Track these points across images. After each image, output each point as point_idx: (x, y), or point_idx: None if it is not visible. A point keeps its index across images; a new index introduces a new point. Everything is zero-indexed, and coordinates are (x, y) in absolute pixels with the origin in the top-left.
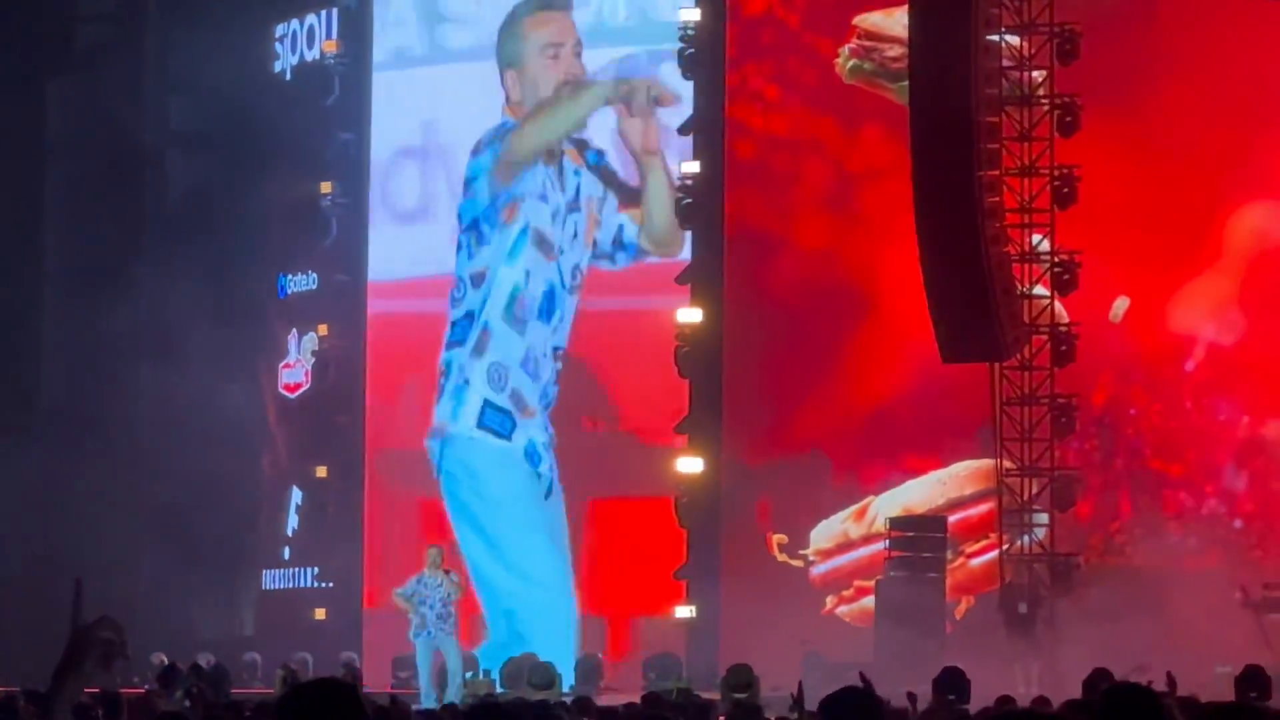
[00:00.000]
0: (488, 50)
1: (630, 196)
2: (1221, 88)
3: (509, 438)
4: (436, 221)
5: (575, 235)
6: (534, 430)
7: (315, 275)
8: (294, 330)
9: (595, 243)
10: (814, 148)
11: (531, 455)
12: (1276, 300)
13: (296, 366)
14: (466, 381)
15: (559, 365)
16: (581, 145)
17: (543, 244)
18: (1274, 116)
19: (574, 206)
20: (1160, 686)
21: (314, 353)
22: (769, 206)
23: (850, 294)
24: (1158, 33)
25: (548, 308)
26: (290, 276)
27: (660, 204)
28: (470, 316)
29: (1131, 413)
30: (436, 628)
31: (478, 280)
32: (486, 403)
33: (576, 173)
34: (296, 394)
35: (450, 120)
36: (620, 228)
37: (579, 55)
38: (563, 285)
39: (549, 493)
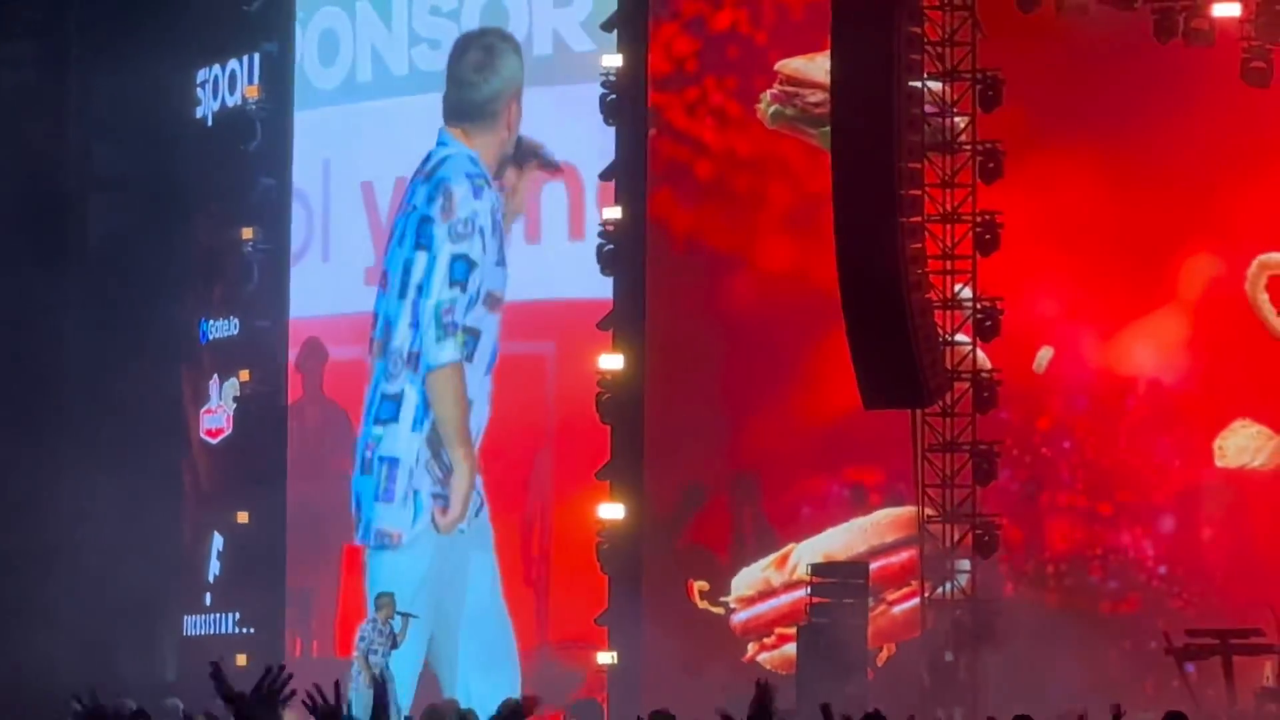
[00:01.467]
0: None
1: None
2: (1156, 133)
3: None
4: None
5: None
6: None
7: (237, 320)
8: (215, 376)
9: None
10: (780, 167)
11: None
12: (1223, 346)
13: (218, 412)
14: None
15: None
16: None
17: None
18: (1220, 162)
19: None
20: None
21: (235, 398)
22: (726, 229)
23: (800, 319)
24: (1081, 79)
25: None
26: (211, 322)
27: None
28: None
29: (1065, 445)
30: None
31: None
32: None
33: None
34: (218, 439)
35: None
36: None
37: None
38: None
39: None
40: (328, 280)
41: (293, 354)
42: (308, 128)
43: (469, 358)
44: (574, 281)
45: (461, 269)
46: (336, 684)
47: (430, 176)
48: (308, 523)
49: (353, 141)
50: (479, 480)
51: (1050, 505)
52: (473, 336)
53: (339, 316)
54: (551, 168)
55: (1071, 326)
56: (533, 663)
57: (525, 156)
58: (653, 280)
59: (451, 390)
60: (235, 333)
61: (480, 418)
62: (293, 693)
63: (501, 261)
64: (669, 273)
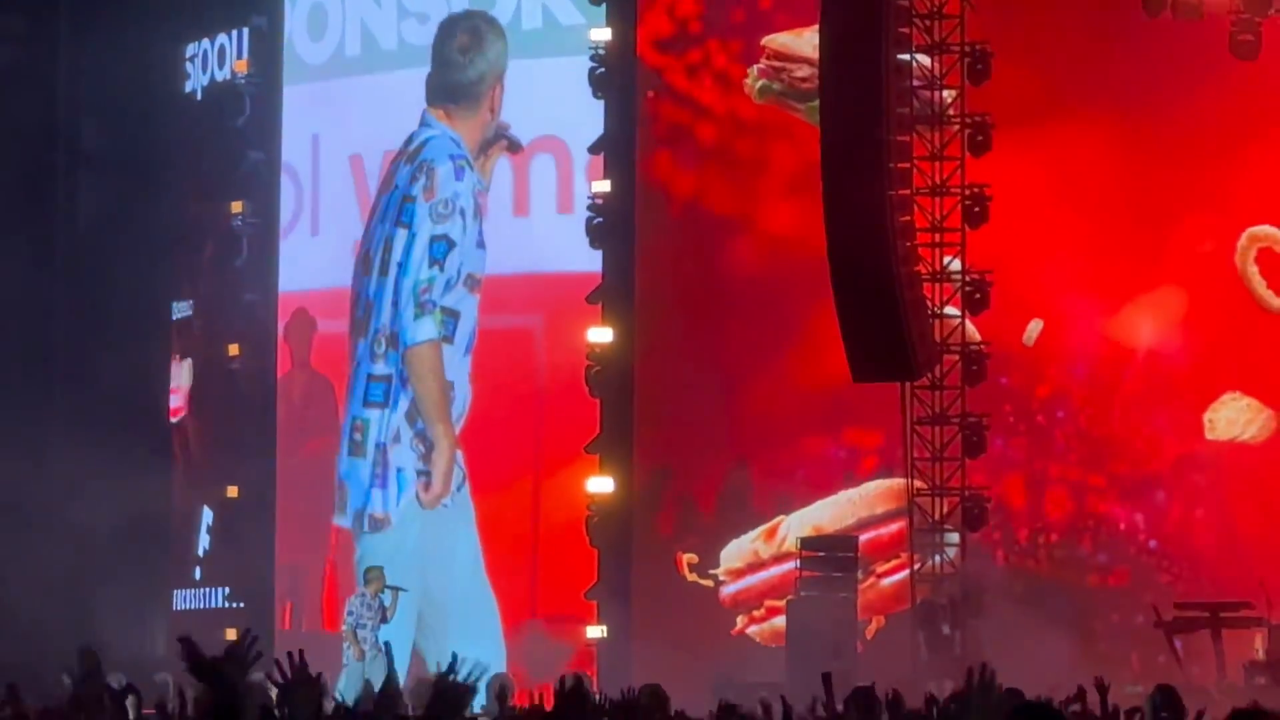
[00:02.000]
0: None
1: None
2: (1147, 106)
3: None
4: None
5: None
6: None
7: (226, 295)
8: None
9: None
10: (784, 131)
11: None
12: (1215, 318)
13: (177, 393)
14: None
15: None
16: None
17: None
18: (1214, 134)
19: None
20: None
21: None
22: (728, 193)
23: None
24: (1070, 51)
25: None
26: (195, 296)
27: None
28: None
29: (1060, 415)
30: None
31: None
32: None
33: None
34: (177, 418)
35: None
36: None
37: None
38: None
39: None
40: (316, 254)
41: (281, 325)
42: (296, 102)
43: (448, 338)
44: (562, 255)
45: (441, 249)
46: (301, 653)
47: (413, 158)
48: (297, 497)
49: (342, 115)
50: (460, 456)
51: (1044, 476)
52: (451, 318)
53: (327, 290)
54: (515, 148)
55: (1068, 297)
56: (521, 638)
57: (493, 136)
58: (645, 249)
59: (430, 367)
60: (223, 307)
61: (462, 398)
62: (259, 654)
63: (481, 244)
64: (665, 238)
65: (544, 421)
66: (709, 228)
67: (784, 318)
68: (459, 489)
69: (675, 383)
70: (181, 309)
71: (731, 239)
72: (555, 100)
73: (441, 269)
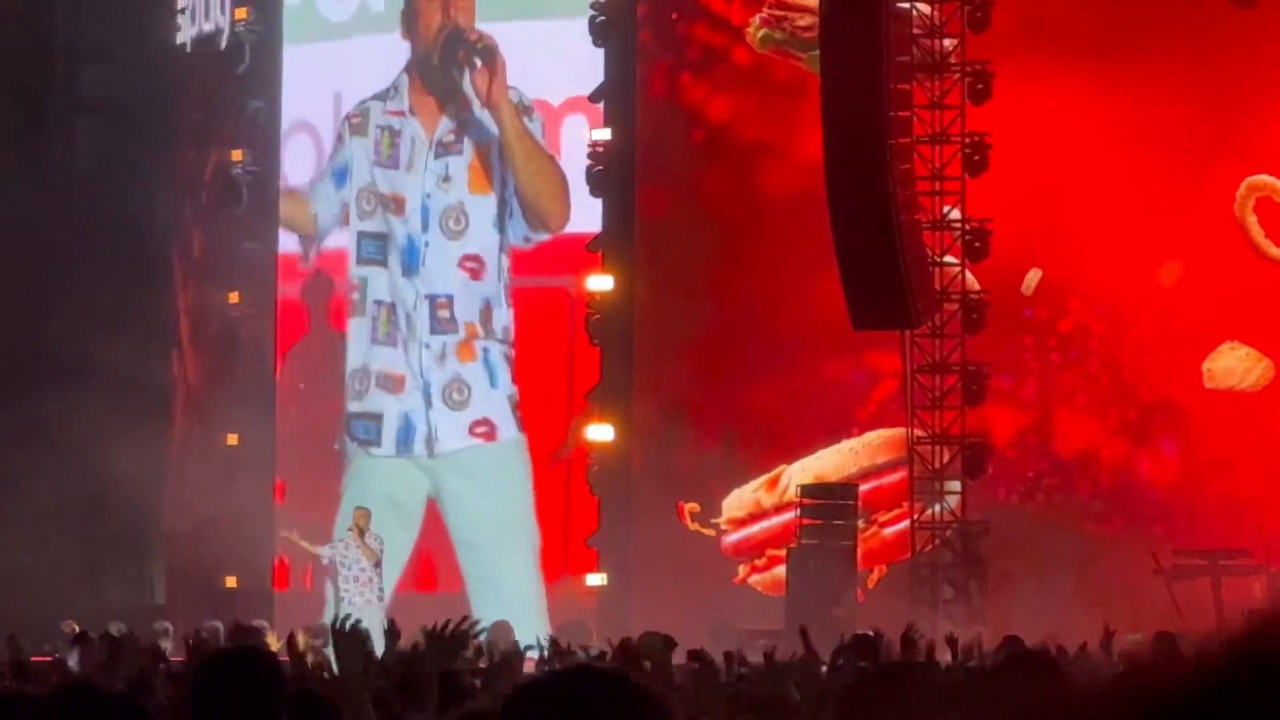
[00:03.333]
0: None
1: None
2: (1148, 54)
3: None
4: None
5: None
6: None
7: (225, 242)
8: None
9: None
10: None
11: None
12: (1214, 267)
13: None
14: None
15: None
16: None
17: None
18: (1218, 82)
19: None
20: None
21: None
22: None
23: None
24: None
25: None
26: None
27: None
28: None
29: (1073, 355)
30: (359, 596)
31: None
32: None
33: None
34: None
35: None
36: None
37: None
38: None
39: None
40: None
41: (298, 285)
42: (318, 59)
43: None
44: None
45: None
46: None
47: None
48: (297, 445)
49: (365, 73)
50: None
51: (1051, 415)
52: None
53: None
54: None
55: (1078, 243)
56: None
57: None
58: (644, 194)
59: None
60: (223, 253)
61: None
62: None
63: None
64: (687, 167)
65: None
66: (744, 151)
67: (818, 240)
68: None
69: (677, 331)
70: (207, 247)
71: (766, 163)
72: (549, 58)
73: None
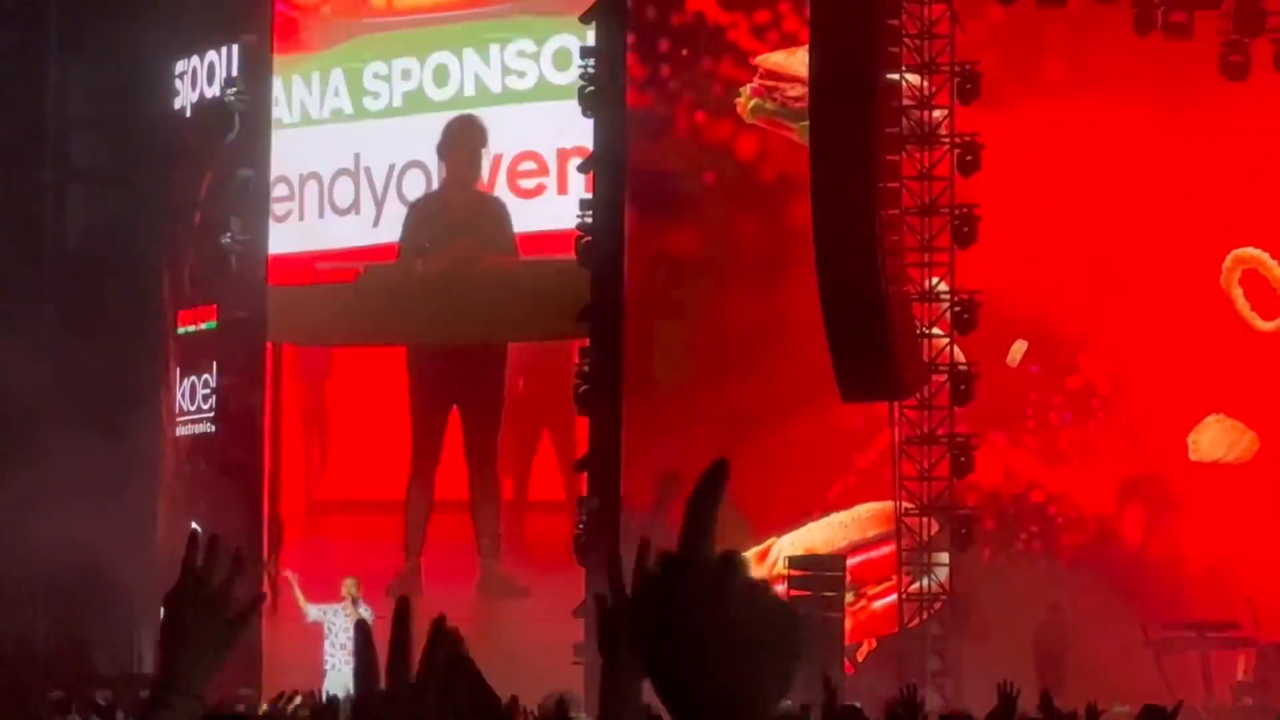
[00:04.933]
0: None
1: None
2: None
3: None
4: None
5: None
6: None
7: (214, 314)
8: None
9: None
10: None
11: None
12: (1198, 339)
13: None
14: None
15: None
16: None
17: None
18: (1204, 156)
19: None
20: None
21: (207, 394)
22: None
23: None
24: (1061, 70)
25: None
26: (188, 314)
27: None
28: None
29: (1069, 417)
30: (345, 664)
31: None
32: None
33: None
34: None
35: None
36: None
37: None
38: None
39: None
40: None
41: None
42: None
43: None
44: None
45: None
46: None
47: None
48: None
49: (387, 136)
50: None
51: (1038, 484)
52: None
53: None
54: None
55: (1063, 319)
56: None
57: None
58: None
59: None
60: (213, 326)
61: None
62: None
63: None
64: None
65: None
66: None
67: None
68: None
69: (667, 400)
70: (196, 320)
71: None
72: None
73: None
